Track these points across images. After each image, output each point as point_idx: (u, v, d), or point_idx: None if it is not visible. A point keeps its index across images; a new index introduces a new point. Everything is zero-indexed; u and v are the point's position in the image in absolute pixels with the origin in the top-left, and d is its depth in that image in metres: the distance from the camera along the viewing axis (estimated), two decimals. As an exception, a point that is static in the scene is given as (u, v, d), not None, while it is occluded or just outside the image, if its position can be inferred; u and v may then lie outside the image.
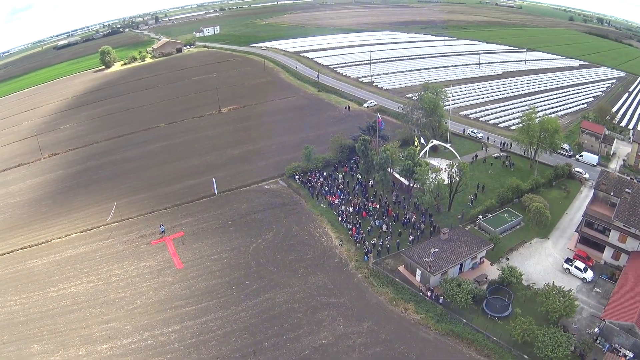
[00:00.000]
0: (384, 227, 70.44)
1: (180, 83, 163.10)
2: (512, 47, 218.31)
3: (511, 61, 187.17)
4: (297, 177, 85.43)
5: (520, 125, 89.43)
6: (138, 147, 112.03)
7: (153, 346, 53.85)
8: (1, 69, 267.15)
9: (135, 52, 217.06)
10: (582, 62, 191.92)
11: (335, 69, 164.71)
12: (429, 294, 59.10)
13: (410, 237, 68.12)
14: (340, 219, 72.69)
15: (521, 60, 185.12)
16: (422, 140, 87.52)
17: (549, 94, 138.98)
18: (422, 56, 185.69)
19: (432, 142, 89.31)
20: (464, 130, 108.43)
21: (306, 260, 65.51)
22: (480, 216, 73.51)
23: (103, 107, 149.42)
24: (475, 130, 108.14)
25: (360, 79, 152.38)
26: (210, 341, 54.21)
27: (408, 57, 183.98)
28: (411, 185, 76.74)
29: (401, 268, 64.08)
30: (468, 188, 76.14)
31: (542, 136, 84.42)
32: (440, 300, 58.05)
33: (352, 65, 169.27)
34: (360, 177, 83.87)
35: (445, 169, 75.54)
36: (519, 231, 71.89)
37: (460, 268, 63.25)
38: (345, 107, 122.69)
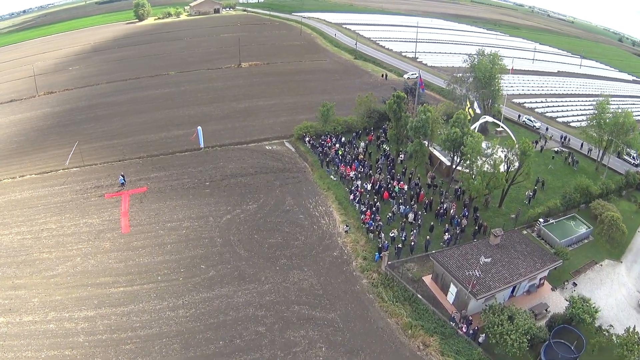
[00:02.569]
0: (411, 216, 48.00)
1: (207, 38, 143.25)
2: (566, 51, 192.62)
3: (566, 63, 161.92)
4: (307, 139, 63.72)
5: (588, 122, 66.41)
6: (136, 91, 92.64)
7: (53, 334, 35.51)
8: (39, 18, 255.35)
9: (171, 9, 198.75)
10: (635, 78, 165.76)
11: (377, 42, 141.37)
12: (464, 326, 36.84)
13: (446, 236, 45.53)
14: (352, 197, 50.72)
15: (576, 64, 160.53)
16: (477, 107, 64.10)
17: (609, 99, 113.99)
18: (473, 44, 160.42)
19: (485, 118, 65.96)
20: (519, 116, 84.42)
21: (293, 247, 44.01)
22: (541, 220, 50.38)
23: (119, 54, 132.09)
24: (532, 119, 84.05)
25: (403, 53, 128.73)
26: (124, 343, 34.65)
27: (458, 42, 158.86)
28: (454, 165, 53.87)
29: (427, 279, 41.86)
30: (529, 179, 53.18)
31: (615, 133, 61.18)
32: (481, 339, 35.80)
33: (396, 41, 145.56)
34: (387, 148, 61.46)
35: (501, 149, 52.22)
36: (587, 247, 48.69)
37: (512, 291, 40.81)
38: (382, 75, 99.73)
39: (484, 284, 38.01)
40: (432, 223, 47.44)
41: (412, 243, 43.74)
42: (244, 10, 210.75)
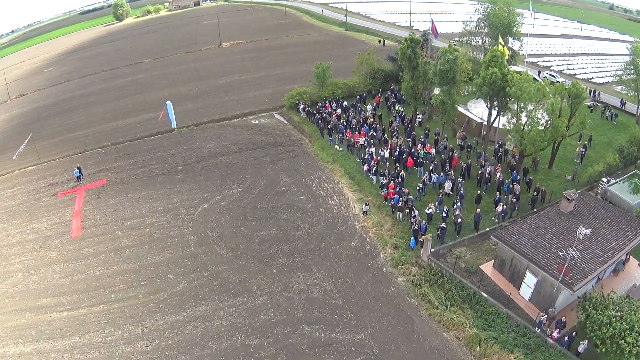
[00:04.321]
0: (448, 185, 34.85)
1: (185, 27, 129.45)
2: (562, 18, 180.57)
3: (566, 27, 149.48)
4: (301, 106, 50.41)
5: (621, 70, 53.63)
6: (105, 82, 78.82)
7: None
8: (25, 34, 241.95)
9: (150, 6, 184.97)
10: (637, 39, 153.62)
11: (367, 15, 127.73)
12: (554, 332, 24.05)
13: (499, 207, 32.41)
14: (365, 168, 37.56)
15: (576, 28, 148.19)
16: (513, 43, 50.98)
17: (616, 57, 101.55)
18: (468, 13, 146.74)
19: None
20: (539, 73, 71.19)
21: (294, 240, 30.79)
22: (603, 179, 37.60)
23: (94, 51, 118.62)
24: (553, 74, 71.03)
25: (397, 24, 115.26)
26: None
27: (455, 12, 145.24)
28: (489, 122, 40.80)
29: (486, 268, 28.89)
30: (582, 131, 40.56)
31: None
32: (581, 349, 23.06)
33: (388, 14, 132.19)
34: (401, 109, 48.27)
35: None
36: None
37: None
38: (379, 41, 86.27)
39: (577, 268, 25.11)
40: (478, 192, 34.31)
41: (459, 220, 30.64)
42: (226, 1, 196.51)
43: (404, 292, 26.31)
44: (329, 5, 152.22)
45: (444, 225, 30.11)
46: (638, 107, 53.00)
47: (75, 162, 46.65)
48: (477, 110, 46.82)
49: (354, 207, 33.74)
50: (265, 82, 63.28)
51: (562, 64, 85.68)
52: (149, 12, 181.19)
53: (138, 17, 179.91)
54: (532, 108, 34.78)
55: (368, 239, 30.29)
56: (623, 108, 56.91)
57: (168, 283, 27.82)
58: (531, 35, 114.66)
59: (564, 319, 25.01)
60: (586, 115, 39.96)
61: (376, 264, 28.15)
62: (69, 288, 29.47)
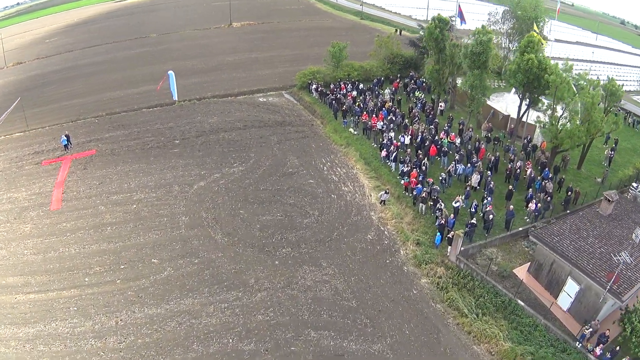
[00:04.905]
0: (475, 178, 30.54)
1: (196, 6, 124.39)
2: (577, 26, 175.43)
3: (580, 35, 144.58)
4: (313, 87, 45.98)
5: None
6: (109, 54, 74.26)
7: None
8: (31, 7, 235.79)
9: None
10: None
11: (383, 7, 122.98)
12: (597, 348, 19.87)
13: (531, 205, 28.14)
14: (384, 153, 33.17)
15: (591, 37, 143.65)
16: (549, 33, 46.52)
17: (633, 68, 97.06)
18: (482, 13, 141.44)
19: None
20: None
21: (301, 228, 26.47)
22: (634, 184, 33.55)
23: (100, 24, 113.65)
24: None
25: (414, 17, 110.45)
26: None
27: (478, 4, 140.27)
28: (520, 114, 36.42)
29: (520, 272, 24.59)
30: (612, 132, 36.42)
31: None
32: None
33: (404, 7, 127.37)
34: (422, 95, 43.82)
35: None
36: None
37: None
38: (396, 31, 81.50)
39: (624, 276, 20.99)
40: (510, 187, 29.99)
41: (490, 217, 26.34)
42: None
43: (428, 296, 22.07)
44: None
45: (474, 221, 25.84)
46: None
47: (65, 130, 42.48)
48: (501, 105, 42.64)
49: (370, 195, 29.42)
50: (276, 62, 58.69)
51: (580, 70, 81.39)
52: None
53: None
54: (570, 100, 30.62)
55: (386, 232, 25.98)
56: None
57: (151, 269, 23.57)
58: (547, 39, 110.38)
59: (607, 332, 20.86)
60: (620, 116, 35.97)
61: (396, 262, 23.87)
62: (40, 267, 25.31)
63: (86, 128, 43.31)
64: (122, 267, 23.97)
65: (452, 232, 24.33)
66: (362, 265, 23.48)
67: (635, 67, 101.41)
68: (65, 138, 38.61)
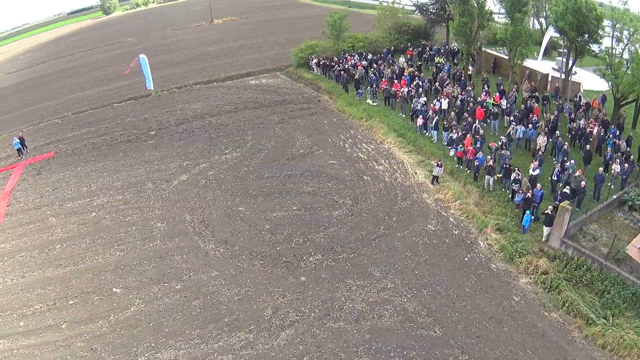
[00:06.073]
0: (542, 139, 22.52)
1: (175, 11, 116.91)
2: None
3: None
4: (314, 61, 37.99)
5: None
6: (81, 59, 66.56)
7: None
8: (10, 33, 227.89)
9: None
10: None
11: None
12: None
13: (617, 167, 20.25)
14: (420, 121, 25.06)
15: None
16: None
17: None
18: None
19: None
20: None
21: (331, 225, 18.02)
22: None
23: (76, 38, 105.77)
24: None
25: (406, 8, 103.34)
26: None
27: None
28: (568, 68, 28.86)
29: (632, 250, 16.55)
30: None
31: None
32: None
33: None
34: (442, 60, 35.95)
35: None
36: None
37: None
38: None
39: None
40: (587, 147, 22.14)
41: (582, 184, 18.47)
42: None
43: (536, 303, 14.09)
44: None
45: (566, 190, 17.97)
46: None
47: (19, 133, 34.17)
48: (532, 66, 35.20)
49: (415, 173, 21.32)
50: (265, 46, 50.89)
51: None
52: (137, 5, 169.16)
53: (127, 9, 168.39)
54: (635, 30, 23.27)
55: (452, 219, 17.90)
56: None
57: (112, 303, 15.23)
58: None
59: None
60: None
61: (477, 258, 15.82)
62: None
63: (48, 130, 35.30)
64: (70, 302, 15.66)
65: (549, 207, 16.41)
66: (433, 269, 15.32)
67: None
68: (19, 141, 30.52)
